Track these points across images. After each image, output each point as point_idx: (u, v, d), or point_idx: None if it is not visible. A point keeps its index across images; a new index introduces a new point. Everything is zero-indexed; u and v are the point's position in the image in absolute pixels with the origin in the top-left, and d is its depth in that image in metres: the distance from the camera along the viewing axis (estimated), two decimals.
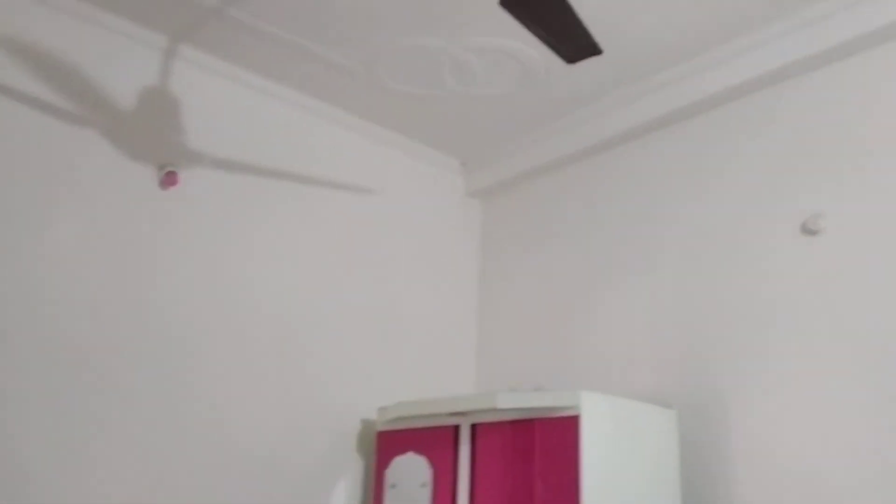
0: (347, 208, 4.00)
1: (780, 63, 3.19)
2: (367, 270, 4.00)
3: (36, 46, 3.11)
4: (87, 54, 3.23)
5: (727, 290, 3.26)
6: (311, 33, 3.37)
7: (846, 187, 2.97)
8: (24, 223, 2.96)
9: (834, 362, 2.86)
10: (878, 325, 2.77)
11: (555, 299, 4.00)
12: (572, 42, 2.42)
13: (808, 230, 3.04)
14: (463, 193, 4.60)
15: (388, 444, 3.39)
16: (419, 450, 3.20)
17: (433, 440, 3.17)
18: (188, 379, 3.25)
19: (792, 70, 3.20)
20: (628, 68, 3.54)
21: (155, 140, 3.38)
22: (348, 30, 3.34)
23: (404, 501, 3.18)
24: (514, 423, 2.89)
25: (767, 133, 3.29)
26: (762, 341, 3.09)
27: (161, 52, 3.44)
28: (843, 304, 2.88)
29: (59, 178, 3.08)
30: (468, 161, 4.54)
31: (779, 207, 3.16)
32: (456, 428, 3.10)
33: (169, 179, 3.32)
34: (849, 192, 2.96)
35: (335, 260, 3.88)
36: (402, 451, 3.27)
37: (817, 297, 2.96)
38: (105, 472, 2.95)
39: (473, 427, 3.04)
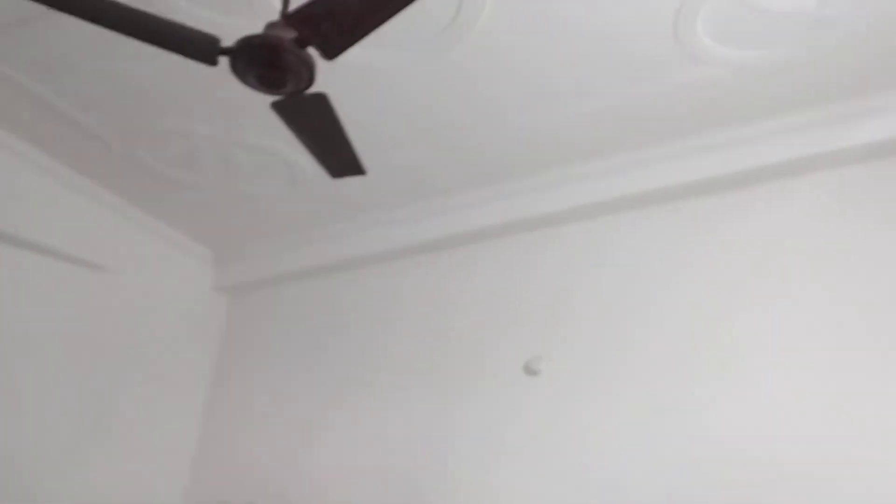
0: (73, 283, 3.61)
1: (516, 217, 3.52)
2: (82, 352, 3.59)
3: None
4: None
5: (453, 422, 3.37)
6: (62, 91, 3.12)
7: (563, 333, 3.28)
8: None
9: (547, 496, 3.03)
10: (585, 460, 3.01)
11: (287, 412, 3.86)
12: (338, 158, 2.48)
13: (529, 370, 3.27)
14: (210, 287, 4.39)
15: None
16: None
17: None
18: None
19: (521, 226, 3.55)
20: (390, 194, 3.69)
21: None
22: (109, 98, 3.14)
23: None
24: None
25: (499, 277, 3.57)
26: (480, 474, 3.20)
27: None
28: (557, 439, 3.10)
29: None
30: (221, 255, 4.38)
31: (505, 348, 3.39)
32: None
33: None
34: (565, 336, 3.27)
35: (47, 336, 3.45)
36: None
37: (534, 432, 3.16)
38: None
39: None
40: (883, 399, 2.56)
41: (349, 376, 3.77)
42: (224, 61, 2.04)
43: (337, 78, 2.88)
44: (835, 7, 2.49)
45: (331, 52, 1.96)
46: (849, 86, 2.82)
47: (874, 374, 2.60)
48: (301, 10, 1.90)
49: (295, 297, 4.19)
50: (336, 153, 2.44)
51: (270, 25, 1.99)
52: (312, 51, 2.01)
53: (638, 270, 3.22)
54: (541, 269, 3.48)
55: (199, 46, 1.98)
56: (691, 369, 2.94)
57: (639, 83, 2.90)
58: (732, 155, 3.08)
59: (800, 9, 2.51)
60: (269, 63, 1.93)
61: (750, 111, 2.99)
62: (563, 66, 2.83)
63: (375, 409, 3.60)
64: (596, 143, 3.23)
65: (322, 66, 2.13)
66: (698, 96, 2.93)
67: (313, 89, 2.13)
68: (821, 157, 2.95)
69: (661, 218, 3.26)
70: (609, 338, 3.17)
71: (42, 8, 2.55)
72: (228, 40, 2.07)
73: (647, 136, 3.17)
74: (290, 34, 1.92)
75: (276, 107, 2.21)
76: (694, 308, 3.03)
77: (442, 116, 3.14)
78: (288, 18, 1.92)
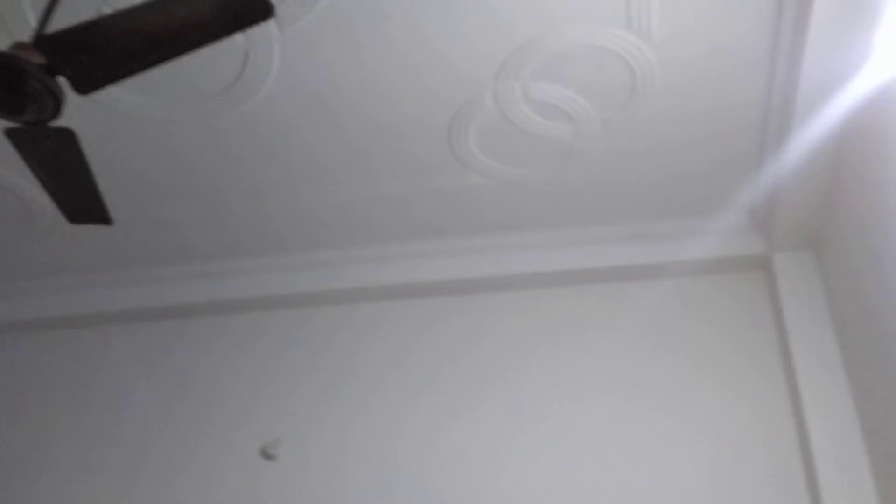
0: None
1: (266, 293, 3.38)
2: None
3: None
4: None
5: None
6: None
7: (303, 418, 3.16)
8: None
9: None
10: None
11: None
12: (80, 202, 2.24)
13: (266, 455, 3.09)
14: None
15: None
16: None
17: None
18: None
19: (270, 303, 3.41)
20: (137, 251, 3.39)
21: None
22: None
23: None
24: None
25: (240, 355, 3.37)
26: None
27: None
28: None
29: None
30: None
31: (239, 431, 3.18)
32: None
33: None
34: (305, 422, 3.15)
35: None
36: None
37: None
38: None
39: None
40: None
41: (63, 448, 3.32)
42: None
43: (96, 117, 2.66)
44: (588, 140, 2.77)
45: (84, 87, 1.79)
46: (596, 212, 3.12)
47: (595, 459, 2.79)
48: (56, 35, 1.72)
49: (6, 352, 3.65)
50: (78, 197, 2.21)
51: (18, 45, 1.78)
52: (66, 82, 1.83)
53: (374, 359, 3.25)
54: (282, 350, 3.36)
55: None
56: (420, 460, 2.97)
57: (412, 180, 2.99)
58: (486, 260, 3.25)
59: (557, 136, 2.76)
60: (6, 85, 1.71)
61: (509, 222, 3.20)
62: (341, 150, 2.85)
63: (92, 492, 3.19)
64: (365, 229, 3.25)
65: (80, 101, 1.95)
66: (464, 201, 3.09)
67: (61, 122, 1.93)
68: (563, 273, 3.21)
69: (412, 309, 3.32)
70: (346, 424, 3.11)
71: None
72: None
73: (410, 230, 3.25)
74: (37, 58, 1.73)
75: (12, 135, 1.96)
76: (414, 404, 3.09)
77: (207, 178, 3.00)
78: (39, 41, 1.74)
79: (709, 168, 2.88)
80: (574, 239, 3.21)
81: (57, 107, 1.81)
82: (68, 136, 1.95)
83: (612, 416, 2.92)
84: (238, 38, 2.40)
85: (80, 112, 2.41)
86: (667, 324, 3.07)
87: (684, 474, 2.77)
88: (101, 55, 1.72)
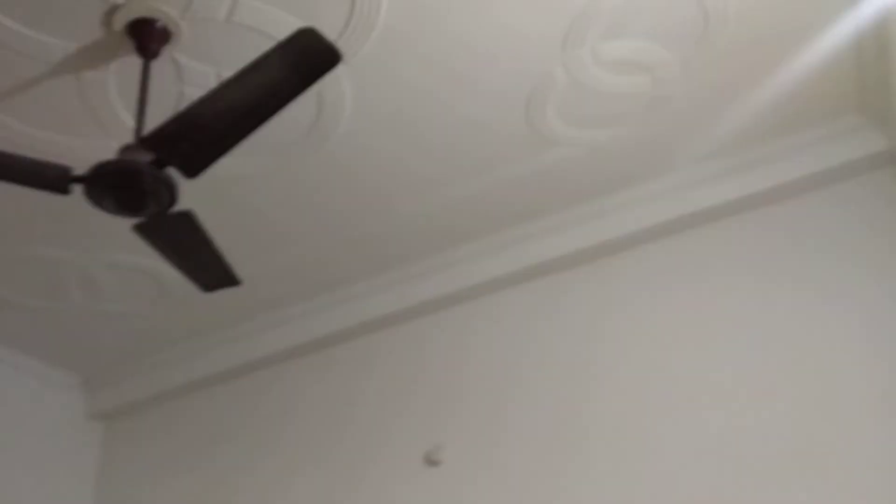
0: None
1: (394, 309, 3.51)
2: None
3: None
4: None
5: None
6: None
7: (464, 420, 3.24)
8: None
9: None
10: None
11: None
12: (209, 272, 2.41)
13: (430, 461, 3.21)
14: (83, 415, 4.09)
15: None
16: None
17: None
18: None
19: (404, 315, 3.51)
20: (274, 295, 3.58)
21: None
22: None
23: None
24: None
25: (392, 368, 3.50)
26: None
27: None
28: None
29: None
30: (93, 380, 4.09)
31: (402, 439, 3.31)
32: None
33: None
34: (466, 425, 3.23)
35: None
36: None
37: None
38: None
39: None
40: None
41: (235, 486, 3.58)
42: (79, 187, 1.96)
43: (202, 189, 2.83)
44: (668, 87, 2.71)
45: (192, 171, 1.93)
46: (686, 156, 3.04)
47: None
48: (157, 132, 1.86)
49: (178, 413, 3.96)
50: (206, 268, 2.38)
51: (125, 149, 1.93)
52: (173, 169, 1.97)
53: (522, 349, 3.26)
54: (432, 355, 3.44)
55: (49, 177, 1.90)
56: (584, 446, 2.97)
57: (496, 169, 3.01)
58: (591, 228, 3.22)
59: (636, 90, 2.71)
60: (126, 188, 1.87)
61: (604, 187, 3.16)
62: (423, 158, 2.91)
63: None
64: (463, 229, 3.29)
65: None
66: (553, 176, 3.08)
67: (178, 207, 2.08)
68: (672, 222, 3.14)
69: (535, 294, 3.31)
70: (503, 421, 3.15)
71: None
72: (81, 162, 2.00)
73: (512, 216, 3.26)
74: (146, 157, 1.88)
75: (139, 229, 2.13)
76: (579, 381, 3.08)
77: (309, 216, 3.15)
78: (144, 141, 1.88)
79: (808, 79, 2.73)
80: (671, 185, 3.13)
81: (172, 196, 1.96)
82: (188, 219, 2.11)
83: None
84: None
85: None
86: (773, 257, 2.92)
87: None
88: (200, 140, 1.84)
